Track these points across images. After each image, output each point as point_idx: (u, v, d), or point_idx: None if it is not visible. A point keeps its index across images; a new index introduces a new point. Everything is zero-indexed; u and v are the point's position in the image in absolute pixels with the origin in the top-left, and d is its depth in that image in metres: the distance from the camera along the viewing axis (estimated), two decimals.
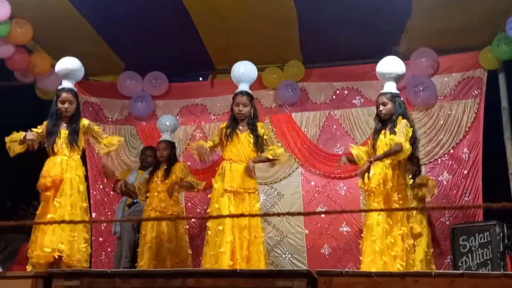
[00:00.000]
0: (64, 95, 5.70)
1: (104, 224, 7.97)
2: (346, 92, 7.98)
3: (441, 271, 4.68)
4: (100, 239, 7.98)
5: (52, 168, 5.59)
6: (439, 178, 7.44)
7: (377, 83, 7.85)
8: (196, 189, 6.91)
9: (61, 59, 5.94)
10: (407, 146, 5.28)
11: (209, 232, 5.75)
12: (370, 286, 4.14)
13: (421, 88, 7.46)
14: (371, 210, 5.48)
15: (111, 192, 7.97)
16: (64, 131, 5.69)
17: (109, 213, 8.00)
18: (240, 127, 5.91)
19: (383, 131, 5.55)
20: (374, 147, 5.57)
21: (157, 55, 7.81)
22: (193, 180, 6.80)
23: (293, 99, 8.00)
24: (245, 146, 5.84)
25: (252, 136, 5.85)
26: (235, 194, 5.73)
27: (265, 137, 5.95)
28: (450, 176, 7.41)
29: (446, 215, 7.35)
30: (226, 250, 5.53)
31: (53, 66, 7.60)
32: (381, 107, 5.57)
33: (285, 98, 7.99)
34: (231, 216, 5.49)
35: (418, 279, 4.14)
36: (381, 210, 5.30)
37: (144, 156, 7.61)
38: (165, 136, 7.08)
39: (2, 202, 8.26)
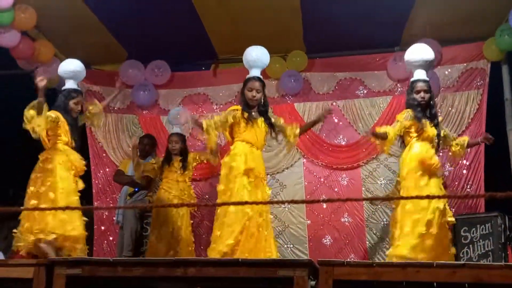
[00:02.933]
0: (79, 98, 6.12)
1: (106, 213, 7.98)
2: (349, 82, 7.96)
3: (442, 261, 4.67)
4: (102, 228, 7.99)
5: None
6: None
7: (381, 74, 7.88)
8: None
9: (64, 61, 6.24)
10: None
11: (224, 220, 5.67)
12: (372, 276, 4.15)
13: None
14: (374, 199, 5.53)
15: (113, 181, 7.98)
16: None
17: (111, 202, 8.00)
18: (253, 113, 5.89)
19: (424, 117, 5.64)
20: (422, 130, 5.69)
21: (160, 44, 7.79)
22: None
23: (296, 90, 7.98)
24: (262, 132, 5.84)
25: (266, 124, 5.86)
26: (255, 179, 5.71)
27: (281, 122, 6.02)
28: (452, 168, 7.39)
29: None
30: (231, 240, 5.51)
31: (56, 55, 7.63)
32: (423, 94, 5.68)
33: (287, 88, 7.97)
34: (239, 203, 5.46)
35: (419, 269, 4.15)
36: (385, 199, 5.34)
37: (142, 145, 7.60)
38: (176, 129, 7.24)
39: (4, 190, 8.28)
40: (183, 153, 7.18)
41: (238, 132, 5.88)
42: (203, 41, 7.75)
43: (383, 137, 5.79)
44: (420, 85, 5.71)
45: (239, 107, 5.98)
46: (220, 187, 5.78)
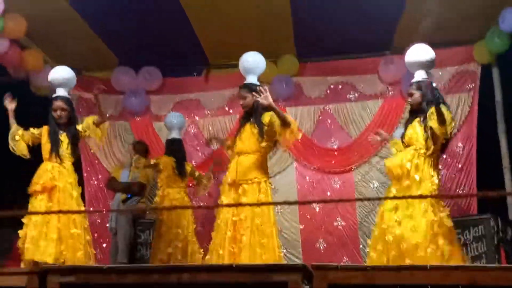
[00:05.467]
0: (56, 103, 5.85)
1: (99, 220, 7.96)
2: (340, 86, 7.99)
3: (436, 264, 4.68)
4: (95, 234, 7.95)
5: (43, 175, 5.69)
6: None
7: (372, 77, 7.91)
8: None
9: (54, 68, 6.08)
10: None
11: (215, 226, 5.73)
12: (366, 279, 4.14)
13: None
14: (367, 199, 5.48)
15: (106, 188, 7.96)
16: (63, 137, 5.82)
17: (104, 208, 8.00)
18: (251, 120, 5.85)
19: (416, 120, 5.49)
20: (403, 136, 5.54)
21: (151, 50, 7.80)
22: None
23: (287, 94, 8.00)
24: (249, 136, 5.74)
25: (255, 126, 5.77)
26: (236, 187, 5.64)
27: (272, 122, 5.76)
28: (445, 170, 7.40)
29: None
30: (213, 248, 5.53)
31: (46, 61, 7.61)
32: (409, 98, 5.53)
33: (279, 92, 7.96)
34: (228, 205, 5.46)
35: (413, 272, 4.14)
36: (377, 199, 5.30)
37: (134, 151, 7.57)
38: (175, 134, 7.31)
39: None
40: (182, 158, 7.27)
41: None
42: (194, 47, 7.75)
43: None
44: (407, 90, 5.65)
45: None
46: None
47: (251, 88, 5.76)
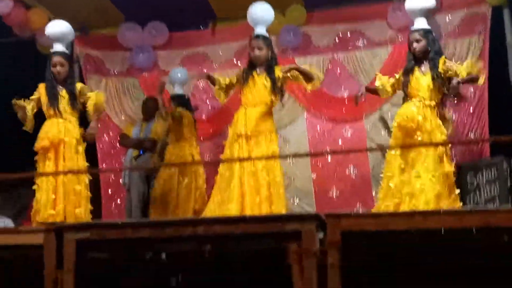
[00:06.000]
0: (54, 58, 5.82)
1: (113, 176, 8.00)
2: (349, 34, 7.89)
3: (449, 209, 4.69)
4: (109, 191, 8.03)
5: (50, 130, 5.68)
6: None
7: (381, 24, 7.80)
8: None
9: (50, 22, 6.01)
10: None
11: (217, 178, 5.78)
12: (379, 226, 4.16)
13: None
14: (375, 149, 5.48)
15: (118, 145, 7.98)
16: (63, 93, 5.78)
17: (117, 165, 8.04)
18: (258, 71, 5.82)
19: (416, 69, 5.44)
20: (406, 85, 5.48)
21: (156, 5, 7.72)
22: None
23: (296, 44, 7.93)
24: (260, 89, 5.73)
25: (268, 80, 5.76)
26: (248, 139, 5.65)
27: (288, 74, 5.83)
28: (456, 114, 7.34)
29: (453, 153, 7.32)
30: (233, 197, 5.54)
31: (50, 20, 7.56)
32: (415, 44, 5.45)
33: (287, 43, 7.91)
34: (241, 159, 5.49)
35: (426, 217, 4.16)
36: (387, 148, 5.31)
37: (146, 108, 7.57)
38: (178, 90, 7.37)
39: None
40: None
41: (241, 95, 5.90)
42: None
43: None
44: (411, 36, 5.58)
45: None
46: (223, 155, 5.91)
47: (268, 42, 5.79)
